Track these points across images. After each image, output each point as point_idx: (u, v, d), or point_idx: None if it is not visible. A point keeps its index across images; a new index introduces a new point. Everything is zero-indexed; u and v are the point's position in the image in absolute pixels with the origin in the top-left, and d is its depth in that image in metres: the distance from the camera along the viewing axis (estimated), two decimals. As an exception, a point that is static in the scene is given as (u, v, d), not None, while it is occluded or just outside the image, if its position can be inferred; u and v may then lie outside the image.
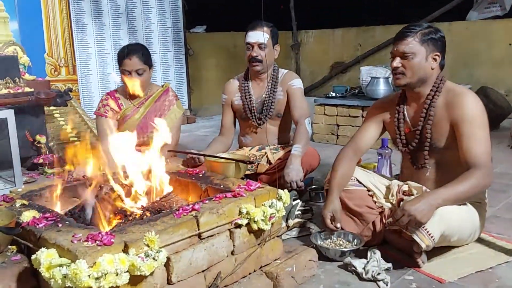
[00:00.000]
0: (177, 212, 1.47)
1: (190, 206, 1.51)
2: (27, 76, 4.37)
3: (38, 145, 3.72)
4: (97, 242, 1.25)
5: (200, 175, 1.95)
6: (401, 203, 2.02)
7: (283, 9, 7.66)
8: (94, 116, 2.95)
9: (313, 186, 2.82)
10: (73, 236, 1.29)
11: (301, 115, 2.69)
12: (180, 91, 6.28)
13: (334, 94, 4.65)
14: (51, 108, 4.01)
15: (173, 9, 6.08)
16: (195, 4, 6.40)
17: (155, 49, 5.90)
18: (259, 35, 2.62)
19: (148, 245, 1.30)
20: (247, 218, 1.59)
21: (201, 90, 6.69)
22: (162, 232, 1.35)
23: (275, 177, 2.59)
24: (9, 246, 1.42)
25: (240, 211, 1.59)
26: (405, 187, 2.09)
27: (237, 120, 2.92)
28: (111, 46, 5.46)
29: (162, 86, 2.96)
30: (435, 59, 1.97)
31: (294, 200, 2.29)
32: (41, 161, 3.64)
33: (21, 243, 1.41)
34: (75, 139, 4.00)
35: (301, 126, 2.65)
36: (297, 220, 2.24)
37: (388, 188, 2.15)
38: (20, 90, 3.65)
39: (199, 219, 1.47)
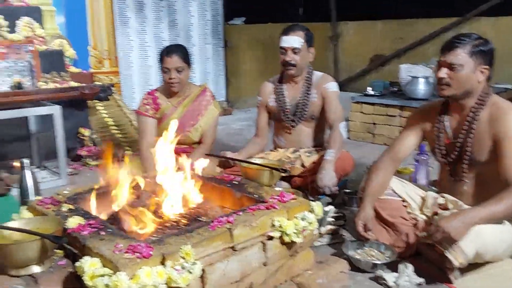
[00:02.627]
0: (212, 224, 1.53)
1: (225, 218, 1.56)
2: (72, 69, 4.53)
3: (82, 137, 3.88)
4: (136, 254, 1.32)
5: (235, 182, 2.00)
6: (436, 217, 2.01)
7: (322, 0, 7.56)
8: (135, 107, 3.04)
9: (347, 190, 2.82)
10: (115, 246, 1.37)
11: (335, 119, 2.70)
12: (217, 83, 6.35)
13: (371, 90, 4.57)
14: (94, 101, 4.16)
15: (213, 1, 6.12)
16: (234, -4, 6.42)
17: (194, 42, 5.97)
18: (293, 40, 2.64)
19: (184, 258, 1.36)
20: (280, 231, 1.63)
21: (239, 82, 6.74)
22: (197, 245, 1.41)
23: (308, 180, 2.62)
24: (56, 250, 1.52)
25: (273, 224, 1.63)
26: (441, 200, 2.07)
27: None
28: (152, 39, 5.57)
29: (200, 86, 3.02)
30: (482, 72, 1.92)
31: (326, 205, 2.31)
32: (84, 153, 3.80)
33: (67, 248, 1.50)
34: (117, 132, 4.14)
35: (335, 130, 2.66)
36: (329, 227, 2.26)
37: (424, 199, 2.13)
38: (65, 84, 3.81)
39: (233, 231, 1.52)
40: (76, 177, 3.50)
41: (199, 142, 2.95)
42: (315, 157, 2.71)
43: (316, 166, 2.57)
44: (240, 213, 1.63)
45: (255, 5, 6.84)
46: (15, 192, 2.38)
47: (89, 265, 1.31)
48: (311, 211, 1.77)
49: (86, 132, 3.86)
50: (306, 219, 1.70)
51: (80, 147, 3.85)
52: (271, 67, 2.81)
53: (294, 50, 2.66)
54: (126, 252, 1.33)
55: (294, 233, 1.64)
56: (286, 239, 1.64)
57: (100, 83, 4.23)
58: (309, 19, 6.81)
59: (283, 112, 2.81)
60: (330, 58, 7.86)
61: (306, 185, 2.63)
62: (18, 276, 1.40)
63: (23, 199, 2.37)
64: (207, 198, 1.95)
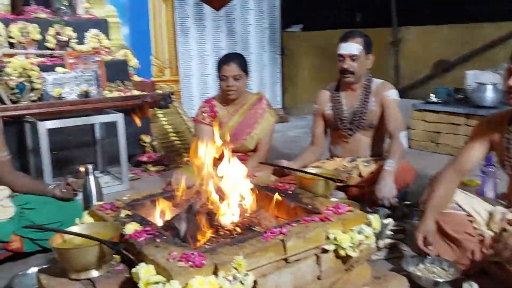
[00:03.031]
0: (265, 235, 1.51)
1: (278, 229, 1.54)
2: (135, 78, 4.71)
3: (143, 144, 4.02)
4: (189, 263, 1.33)
5: (290, 192, 1.97)
6: (504, 233, 1.88)
7: (382, 4, 7.37)
8: (193, 115, 3.10)
9: (408, 202, 2.71)
10: (169, 254, 1.39)
11: (395, 128, 2.60)
12: (274, 91, 6.36)
13: (435, 97, 4.38)
14: (155, 108, 4.29)
15: (271, 9, 6.15)
16: (292, 3, 6.40)
17: (252, 50, 6.03)
18: (351, 47, 2.58)
19: (236, 268, 1.36)
20: (335, 244, 1.58)
21: (295, 89, 6.71)
22: (249, 256, 1.40)
23: (365, 191, 2.54)
24: (114, 256, 1.56)
25: (327, 237, 1.58)
26: (510, 216, 1.93)
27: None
28: (211, 48, 5.69)
29: (256, 94, 3.03)
30: None
31: (385, 218, 2.23)
32: (145, 159, 3.93)
33: (124, 254, 1.53)
34: (176, 138, 4.25)
35: (395, 139, 2.57)
36: (388, 240, 2.17)
37: (491, 214, 1.99)
38: (128, 93, 3.96)
39: (286, 243, 1.49)
40: (137, 182, 3.62)
41: (255, 150, 2.95)
42: (373, 167, 2.63)
43: (375, 177, 2.49)
44: (294, 224, 1.60)
45: (313, 12, 6.80)
46: (80, 196, 2.49)
47: (144, 272, 1.33)
48: (368, 224, 1.70)
49: (147, 138, 3.99)
50: (363, 233, 1.64)
51: (141, 153, 3.99)
52: (328, 74, 2.76)
53: (352, 57, 2.60)
54: (180, 261, 1.35)
55: (350, 246, 1.59)
56: (341, 252, 1.59)
57: (160, 91, 4.36)
58: (367, 24, 6.66)
59: (340, 120, 2.75)
60: (390, 64, 7.64)
61: (364, 196, 2.56)
62: (78, 280, 1.45)
63: (87, 204, 2.48)
64: (261, 207, 1.93)
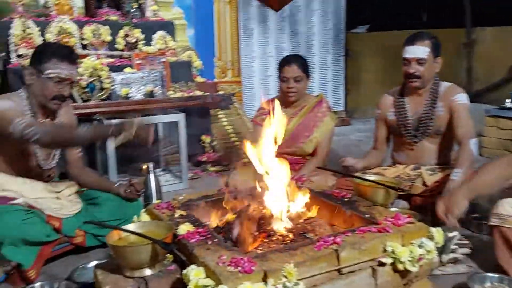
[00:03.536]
0: (317, 244, 1.46)
1: (331, 238, 1.48)
2: (198, 79, 4.80)
3: (203, 144, 4.08)
4: (239, 268, 1.31)
5: (346, 199, 1.90)
6: None
7: (453, 4, 6.99)
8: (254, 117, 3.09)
9: (476, 215, 2.53)
10: (219, 257, 1.38)
11: (465, 135, 2.43)
12: (336, 93, 6.24)
13: (510, 103, 4.08)
14: (216, 109, 4.35)
15: (336, 10, 6.04)
16: (357, 4, 6.25)
17: (315, 51, 5.95)
18: (418, 50, 2.43)
19: (286, 276, 1.32)
20: (392, 257, 1.50)
21: (358, 91, 6.54)
22: (301, 264, 1.36)
23: (430, 201, 2.40)
24: (166, 255, 1.58)
25: (385, 249, 1.50)
26: None
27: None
28: (274, 49, 5.68)
29: (317, 96, 2.98)
30: None
31: (450, 231, 2.09)
32: (205, 159, 3.99)
33: (177, 254, 1.55)
34: (236, 139, 4.27)
35: (464, 147, 2.40)
36: (452, 255, 2.03)
37: None
38: (191, 93, 4.04)
39: (340, 253, 1.43)
40: (196, 181, 3.68)
41: (313, 154, 2.89)
42: (439, 176, 2.48)
43: (440, 186, 2.34)
44: (349, 233, 1.53)
45: (379, 12, 6.60)
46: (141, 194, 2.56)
47: (194, 274, 1.33)
48: (431, 237, 1.60)
49: (207, 139, 4.05)
50: (424, 247, 1.54)
51: (201, 153, 4.05)
52: (393, 76, 2.66)
53: (419, 61, 2.46)
54: (229, 265, 1.33)
55: (409, 261, 1.50)
56: (400, 266, 1.50)
57: (222, 93, 4.42)
58: (436, 25, 6.34)
59: (404, 127, 2.61)
60: (462, 67, 7.23)
61: (428, 206, 2.42)
62: (132, 277, 1.48)
63: (147, 202, 2.55)
64: (315, 214, 1.88)
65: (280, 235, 1.72)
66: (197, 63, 4.91)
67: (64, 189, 2.27)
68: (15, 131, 1.96)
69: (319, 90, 5.87)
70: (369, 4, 6.57)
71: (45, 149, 2.24)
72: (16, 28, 3.86)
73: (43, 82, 2.10)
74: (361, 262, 1.47)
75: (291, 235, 1.73)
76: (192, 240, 1.51)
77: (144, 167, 2.66)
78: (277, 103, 2.90)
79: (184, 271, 1.37)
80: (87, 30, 4.19)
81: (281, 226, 1.76)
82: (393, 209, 1.95)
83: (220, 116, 4.45)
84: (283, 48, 5.74)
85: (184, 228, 1.58)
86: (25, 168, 2.21)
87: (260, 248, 1.65)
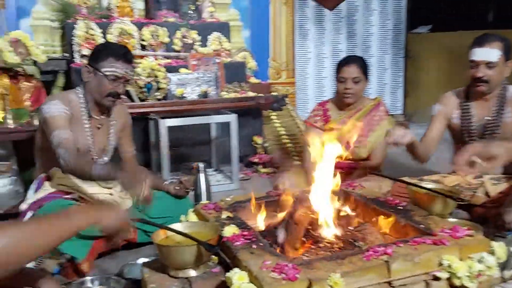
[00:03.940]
0: (367, 254, 1.39)
1: (382, 248, 1.40)
2: (252, 80, 4.80)
3: (255, 145, 4.07)
4: (282, 274, 1.27)
5: (401, 207, 1.81)
6: None
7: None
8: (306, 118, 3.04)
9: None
10: (263, 262, 1.34)
11: None
12: (394, 95, 6.04)
13: None
14: (269, 111, 4.32)
15: (396, 10, 5.84)
16: (420, 3, 6.01)
17: (373, 52, 5.79)
18: (488, 53, 2.26)
19: (331, 286, 1.26)
20: (449, 271, 1.40)
21: (418, 94, 6.28)
22: (348, 274, 1.29)
23: (492, 213, 2.24)
24: (212, 256, 1.57)
25: (440, 263, 1.40)
26: None
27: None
28: (329, 50, 5.58)
29: (374, 99, 2.87)
30: None
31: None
32: (256, 160, 3.97)
33: (221, 256, 1.53)
34: (288, 141, 4.23)
35: (534, 156, 2.22)
36: (516, 272, 1.88)
37: None
38: (244, 94, 4.04)
39: (391, 265, 1.35)
40: (247, 182, 3.67)
41: (367, 159, 2.80)
42: (503, 186, 2.31)
43: (504, 197, 2.18)
44: (401, 244, 1.45)
45: (442, 12, 6.30)
46: (191, 193, 2.58)
47: (237, 278, 1.31)
48: (491, 252, 1.48)
49: (259, 140, 4.03)
50: (484, 262, 1.42)
51: (253, 154, 4.04)
52: (456, 78, 2.51)
53: (489, 65, 2.28)
54: (273, 271, 1.29)
55: (467, 276, 1.39)
56: (456, 282, 1.40)
57: (275, 94, 4.38)
58: (502, 25, 5.96)
59: (468, 133, 2.45)
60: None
61: (490, 218, 2.26)
62: (176, 277, 1.48)
63: (196, 201, 2.56)
64: (367, 221, 1.80)
65: (328, 242, 1.66)
66: (251, 64, 4.91)
67: (116, 185, 2.33)
68: (52, 141, 2.09)
69: (376, 93, 5.70)
70: (432, 3, 6.30)
71: (98, 145, 2.31)
72: (79, 29, 4.03)
73: (99, 80, 2.18)
74: (414, 276, 1.38)
75: (340, 243, 1.66)
76: (237, 243, 1.49)
77: (195, 166, 2.68)
78: (331, 104, 2.85)
79: (228, 274, 1.35)
80: (146, 31, 4.30)
81: (329, 232, 1.70)
82: (451, 219, 1.83)
83: (273, 117, 4.42)
84: (339, 49, 5.63)
85: (230, 230, 1.56)
86: None
87: (307, 255, 1.60)
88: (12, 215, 2.37)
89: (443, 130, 2.59)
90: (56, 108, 2.14)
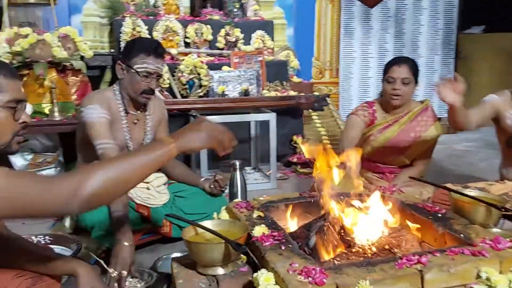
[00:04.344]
0: (399, 262, 1.33)
1: (416, 257, 1.34)
2: (294, 79, 4.77)
3: (294, 144, 4.03)
4: (309, 278, 1.23)
5: (439, 215, 1.72)
6: None
7: None
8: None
9: None
10: (290, 264, 1.32)
11: None
12: (444, 98, 5.81)
13: None
14: (310, 110, 4.27)
15: (447, 9, 5.62)
16: (473, 4, 5.75)
17: (421, 52, 5.60)
18: None
19: (360, 294, 1.22)
20: (487, 285, 1.31)
21: (469, 96, 5.94)
22: (378, 283, 1.24)
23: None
24: (241, 255, 1.56)
25: (478, 275, 1.33)
26: None
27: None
28: (375, 50, 5.45)
29: (422, 102, 2.75)
30: None
31: None
32: (295, 160, 3.94)
33: (250, 255, 1.52)
34: (328, 142, 4.16)
35: None
36: None
37: None
38: (285, 93, 4.01)
39: (425, 275, 1.29)
40: (284, 182, 3.64)
41: (411, 164, 2.70)
42: (555, 196, 2.17)
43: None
44: (437, 253, 1.38)
45: (497, 13, 6.00)
46: (226, 191, 2.59)
47: (264, 279, 1.29)
48: (537, 267, 1.38)
49: (298, 140, 3.99)
50: (528, 277, 1.33)
51: (292, 154, 4.01)
52: (509, 79, 2.38)
53: None
54: (300, 274, 1.26)
55: (507, 291, 1.31)
56: (495, 296, 1.32)
57: (317, 94, 4.32)
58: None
59: None
60: None
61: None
62: (204, 274, 1.48)
63: (231, 199, 2.56)
64: (403, 228, 1.74)
65: (361, 247, 1.61)
66: (294, 63, 4.88)
67: (153, 180, 2.37)
68: (95, 148, 2.14)
69: (424, 95, 5.52)
70: (486, 4, 6.01)
71: (135, 140, 2.35)
72: (127, 26, 4.14)
73: (132, 77, 2.20)
74: (449, 287, 1.31)
75: (373, 249, 1.61)
76: (266, 244, 1.47)
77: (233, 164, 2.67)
78: (377, 106, 2.75)
79: (255, 275, 1.33)
80: (190, 29, 4.36)
81: (363, 237, 1.65)
82: (494, 230, 1.73)
83: (314, 117, 4.37)
84: (386, 49, 5.48)
85: (259, 230, 1.54)
86: None
87: (338, 259, 1.55)
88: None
89: (488, 118, 2.45)
90: (96, 113, 2.16)
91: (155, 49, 2.20)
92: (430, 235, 1.66)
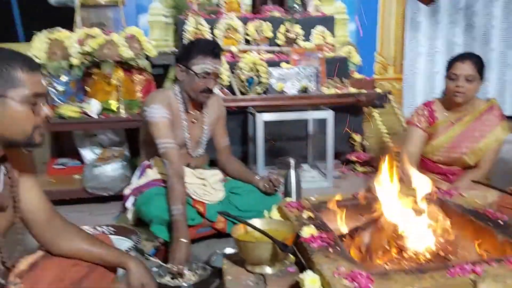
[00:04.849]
0: (451, 270, 1.28)
1: (470, 266, 1.28)
2: (355, 75, 4.67)
3: (353, 142, 3.96)
4: (355, 283, 1.22)
5: (501, 222, 1.63)
6: None
7: None
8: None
9: None
10: (337, 267, 1.31)
11: None
12: (518, 95, 5.44)
13: None
14: (371, 107, 4.17)
15: (524, 0, 5.24)
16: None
17: (494, 46, 5.26)
18: None
19: (407, 302, 1.19)
20: (549, 299, 1.23)
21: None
22: (427, 291, 1.21)
23: None
24: (290, 255, 1.57)
25: (538, 288, 1.25)
26: None
27: None
28: (444, 45, 5.20)
29: (488, 101, 2.61)
30: None
31: None
32: (353, 158, 3.87)
33: (298, 256, 1.53)
34: (389, 140, 4.05)
35: None
36: None
37: None
38: (344, 90, 3.95)
39: (478, 285, 1.23)
40: (341, 181, 3.60)
41: (475, 166, 2.57)
42: None
43: None
44: (493, 263, 1.31)
45: None
46: (281, 189, 2.60)
47: (309, 281, 1.29)
48: None
49: (357, 137, 3.92)
50: None
51: (350, 152, 3.94)
52: None
53: None
54: (345, 278, 1.25)
55: None
56: (558, 312, 1.23)
57: (379, 91, 4.20)
58: None
59: None
60: None
61: None
62: (252, 272, 1.51)
63: (285, 197, 2.57)
64: (462, 234, 1.67)
65: (414, 253, 1.57)
66: (356, 59, 4.76)
67: (210, 176, 2.44)
68: (158, 147, 2.25)
69: (496, 92, 5.20)
70: None
71: (194, 139, 2.43)
72: (190, 25, 4.26)
73: (191, 78, 2.28)
74: (505, 300, 1.24)
75: (427, 255, 1.56)
76: (313, 245, 1.47)
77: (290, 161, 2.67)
78: (438, 105, 2.65)
79: (300, 276, 1.34)
80: (251, 26, 4.40)
81: (416, 243, 1.60)
82: None
83: (375, 114, 4.26)
84: (455, 43, 5.20)
85: (308, 231, 1.54)
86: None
87: (388, 264, 1.53)
88: (120, 197, 2.60)
89: None
90: (159, 113, 2.26)
91: (212, 50, 2.27)
92: (489, 243, 1.58)
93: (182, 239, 1.98)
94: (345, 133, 3.92)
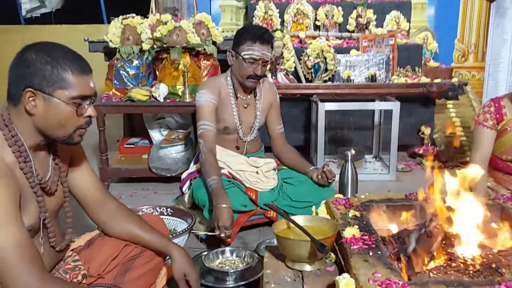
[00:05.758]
0: (497, 286, 1.20)
1: (518, 285, 1.20)
2: (431, 63, 4.43)
3: (422, 135, 3.79)
4: (389, 292, 1.19)
5: None
6: None
7: None
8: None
9: None
10: (373, 273, 1.28)
11: None
12: None
13: None
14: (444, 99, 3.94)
15: None
16: None
17: None
18: None
19: (443, 317, 1.14)
20: None
21: None
22: (466, 308, 1.15)
23: None
24: (331, 253, 1.56)
25: None
26: None
27: None
28: (533, 31, 4.75)
29: None
30: None
31: None
32: (421, 151, 3.70)
33: (338, 256, 1.51)
34: (462, 134, 3.82)
35: None
36: None
37: None
38: (416, 80, 3.76)
39: (525, 307, 1.15)
40: (406, 174, 3.45)
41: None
42: None
43: None
44: (547, 285, 1.21)
45: None
46: (337, 178, 2.55)
47: (344, 284, 1.28)
48: None
49: (426, 130, 3.73)
50: None
51: (419, 145, 3.77)
52: None
53: None
54: (380, 285, 1.22)
55: None
56: None
57: (455, 80, 3.93)
58: None
59: None
60: None
61: None
62: (291, 269, 1.52)
63: (341, 191, 2.53)
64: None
65: (463, 262, 1.49)
66: (432, 45, 4.51)
67: (263, 165, 2.46)
68: (198, 129, 2.38)
69: None
70: None
71: (245, 124, 2.47)
72: (259, 10, 4.26)
73: (240, 63, 2.35)
74: (556, 326, 1.15)
75: (477, 266, 1.47)
76: (354, 247, 1.44)
77: (352, 152, 2.60)
78: (507, 101, 2.46)
79: (337, 278, 1.32)
80: (321, 11, 4.31)
81: (467, 252, 1.52)
82: None
83: (449, 106, 4.02)
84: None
85: (350, 232, 1.51)
86: (231, 141, 2.49)
87: (434, 272, 1.46)
88: (179, 179, 2.70)
89: None
90: (204, 97, 2.38)
91: (261, 36, 2.30)
92: (550, 260, 1.46)
93: (223, 205, 2.08)
94: (415, 125, 3.74)
